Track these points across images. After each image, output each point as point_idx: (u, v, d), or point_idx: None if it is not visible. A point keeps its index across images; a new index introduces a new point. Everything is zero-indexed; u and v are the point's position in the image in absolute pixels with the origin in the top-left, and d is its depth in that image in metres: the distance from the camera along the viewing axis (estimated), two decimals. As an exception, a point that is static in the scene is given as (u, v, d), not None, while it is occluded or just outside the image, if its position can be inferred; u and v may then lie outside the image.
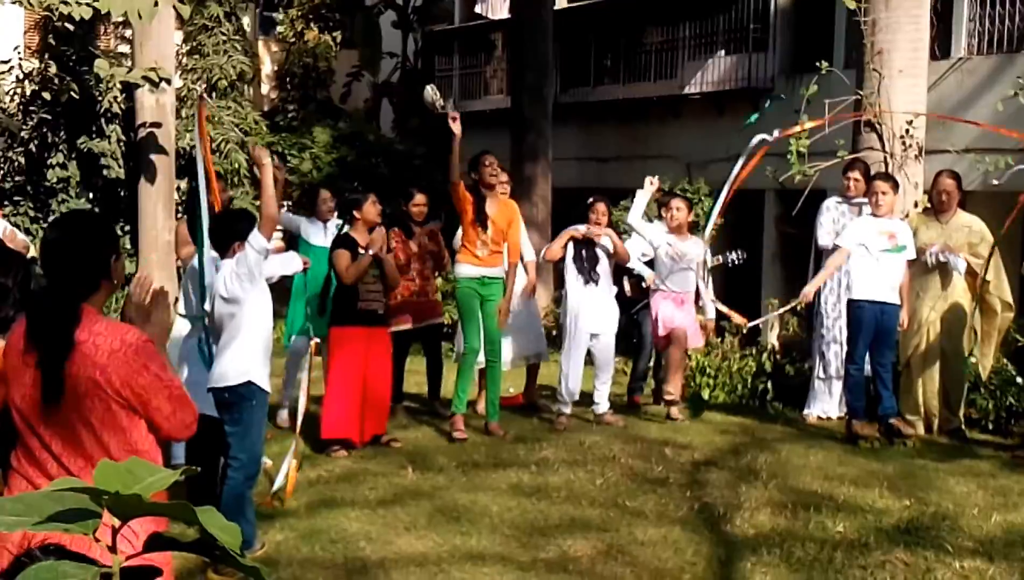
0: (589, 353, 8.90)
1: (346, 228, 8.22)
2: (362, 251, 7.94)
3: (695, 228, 10.03)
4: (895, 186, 8.50)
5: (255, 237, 5.67)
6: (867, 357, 8.41)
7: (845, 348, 8.86)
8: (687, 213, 9.17)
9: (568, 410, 8.85)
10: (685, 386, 9.55)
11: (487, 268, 8.42)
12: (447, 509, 6.60)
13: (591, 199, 8.98)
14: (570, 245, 8.88)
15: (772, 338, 11.58)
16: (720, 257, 9.62)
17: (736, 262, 9.79)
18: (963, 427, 8.81)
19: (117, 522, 1.69)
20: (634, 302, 9.66)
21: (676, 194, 9.92)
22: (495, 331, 8.49)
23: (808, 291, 8.66)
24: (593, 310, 8.82)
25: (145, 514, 1.68)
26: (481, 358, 8.59)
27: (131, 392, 3.15)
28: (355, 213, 8.05)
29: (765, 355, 10.32)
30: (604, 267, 8.85)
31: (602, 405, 8.95)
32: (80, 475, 3.04)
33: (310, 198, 8.94)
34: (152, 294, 3.41)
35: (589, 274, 8.80)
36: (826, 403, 9.30)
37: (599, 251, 8.85)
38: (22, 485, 3.17)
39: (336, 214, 8.99)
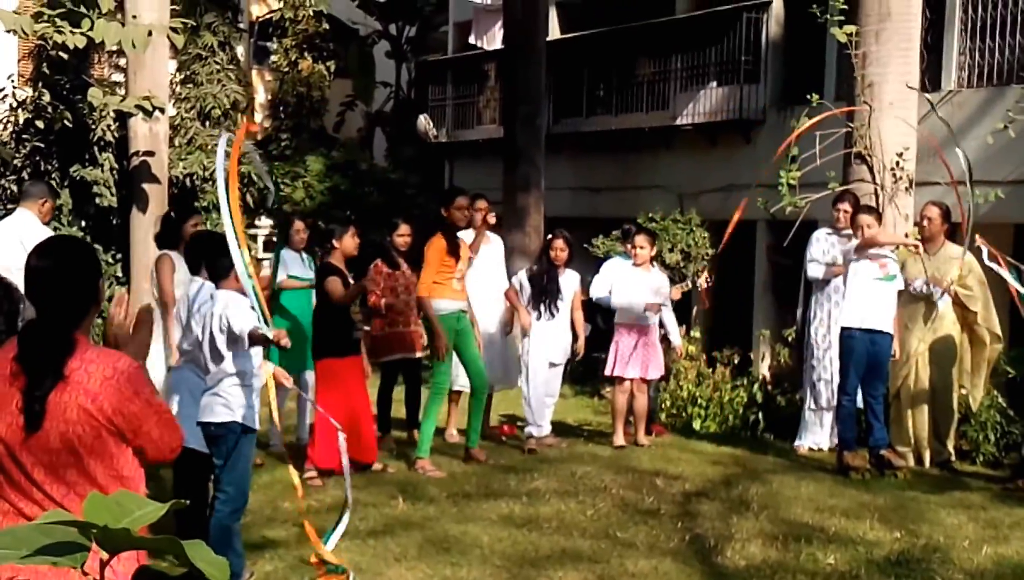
0: None
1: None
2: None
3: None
4: (879, 218, 8.57)
5: (247, 319, 5.65)
6: (859, 388, 8.43)
7: (836, 379, 8.88)
8: (651, 249, 9.46)
9: (536, 432, 9.24)
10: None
11: (462, 301, 8.53)
12: (437, 540, 6.58)
13: (550, 235, 9.40)
14: (527, 279, 9.19)
15: (763, 369, 11.59)
16: (689, 282, 9.76)
17: (707, 284, 9.94)
18: (953, 459, 8.82)
19: (105, 555, 1.69)
20: (609, 335, 9.75)
21: (641, 230, 10.05)
22: (479, 361, 8.58)
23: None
24: (553, 341, 9.20)
25: (133, 548, 1.68)
26: (466, 384, 8.77)
27: (123, 419, 3.14)
28: (334, 243, 8.19)
29: (756, 386, 10.33)
30: (565, 301, 9.18)
31: (544, 428, 9.31)
32: (63, 502, 3.03)
33: (284, 228, 9.14)
34: (137, 314, 3.39)
35: (550, 306, 9.11)
36: (817, 434, 9.32)
37: (562, 285, 9.14)
38: (5, 508, 3.15)
39: (309, 243, 9.22)
